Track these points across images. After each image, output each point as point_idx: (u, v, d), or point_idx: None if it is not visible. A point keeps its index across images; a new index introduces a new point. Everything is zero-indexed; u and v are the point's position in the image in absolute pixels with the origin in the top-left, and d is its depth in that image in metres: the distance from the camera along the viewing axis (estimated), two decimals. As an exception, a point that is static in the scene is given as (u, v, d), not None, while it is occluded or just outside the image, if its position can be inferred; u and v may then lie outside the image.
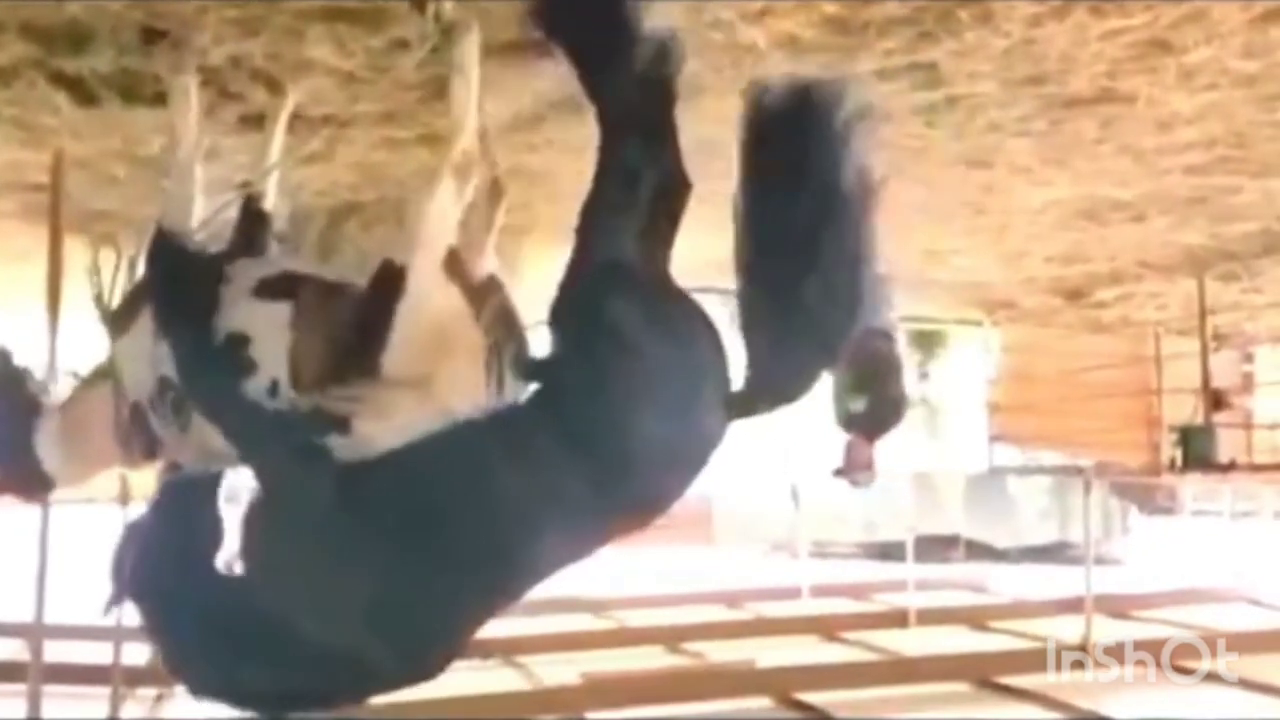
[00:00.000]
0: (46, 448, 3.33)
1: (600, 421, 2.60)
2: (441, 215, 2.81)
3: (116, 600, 3.10)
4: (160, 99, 3.50)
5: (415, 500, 2.63)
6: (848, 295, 2.75)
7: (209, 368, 2.89)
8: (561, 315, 2.67)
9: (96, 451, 3.32)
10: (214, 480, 3.14)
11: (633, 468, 2.64)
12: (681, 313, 2.74)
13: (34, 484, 3.42)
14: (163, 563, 2.98)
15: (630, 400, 2.60)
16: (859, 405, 5.18)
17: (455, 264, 2.84)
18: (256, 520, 2.76)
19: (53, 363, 3.89)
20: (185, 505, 3.07)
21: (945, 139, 4.60)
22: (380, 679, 2.88)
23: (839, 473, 5.27)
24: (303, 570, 2.71)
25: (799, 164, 2.69)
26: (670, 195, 2.73)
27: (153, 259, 3.18)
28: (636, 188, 2.68)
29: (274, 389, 2.84)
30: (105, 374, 3.31)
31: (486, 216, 3.13)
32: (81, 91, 3.70)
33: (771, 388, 2.79)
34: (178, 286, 3.08)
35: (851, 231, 2.73)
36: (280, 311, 2.91)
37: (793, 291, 2.68)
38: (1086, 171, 5.18)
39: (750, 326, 2.75)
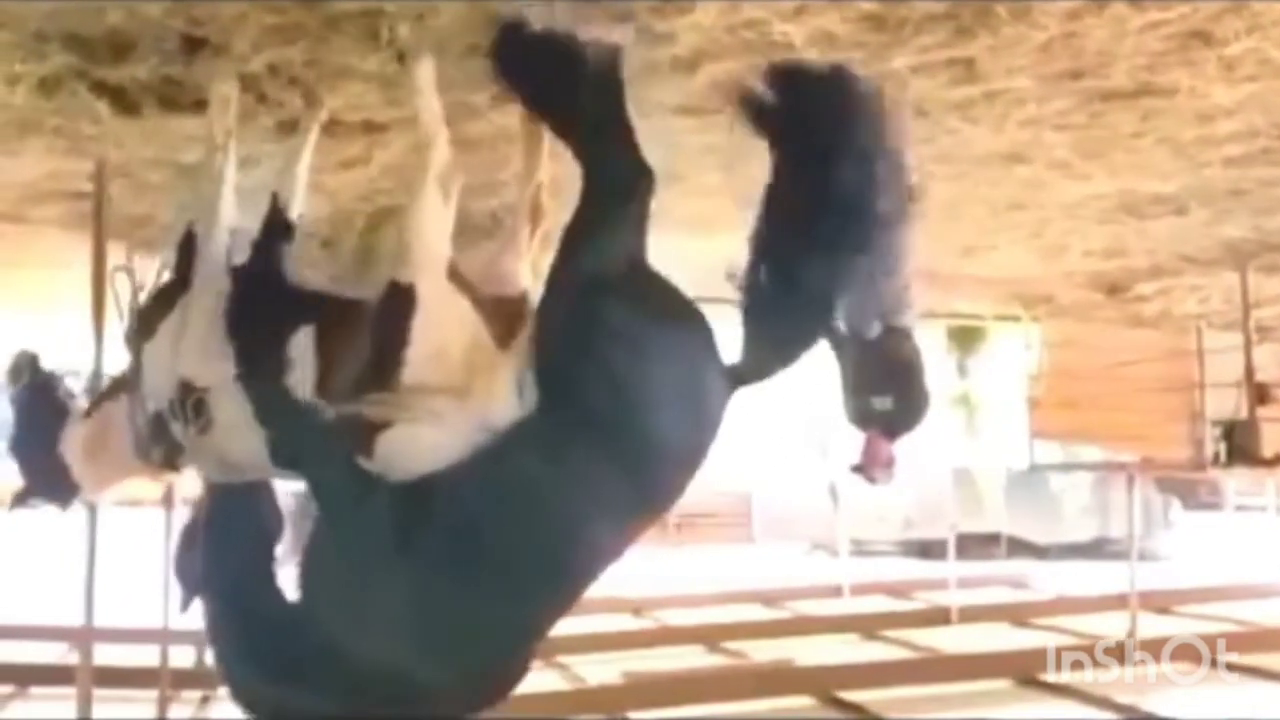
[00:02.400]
0: (73, 453, 3.36)
1: (619, 419, 2.61)
2: (433, 228, 2.86)
3: (188, 601, 3.11)
4: (200, 106, 3.53)
5: (468, 517, 2.64)
6: (843, 273, 2.73)
7: (271, 379, 2.92)
8: (552, 326, 2.69)
9: (119, 460, 3.34)
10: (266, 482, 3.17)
11: (655, 458, 2.66)
12: (669, 302, 2.76)
13: (60, 489, 3.44)
14: (228, 567, 2.99)
15: (640, 393, 2.62)
16: (884, 404, 5.18)
17: (458, 276, 2.89)
18: (314, 547, 2.79)
19: (98, 369, 3.92)
20: (245, 501, 3.08)
21: (983, 134, 4.58)
22: (451, 705, 2.91)
23: (857, 469, 5.27)
24: (363, 595, 2.72)
25: (818, 142, 2.69)
26: (638, 188, 2.76)
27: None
28: (612, 195, 2.71)
29: None
30: (125, 383, 3.33)
31: (525, 234, 3.16)
32: (123, 100, 3.73)
33: (768, 356, 2.80)
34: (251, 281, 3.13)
35: (864, 206, 2.71)
36: (305, 335, 2.95)
37: (792, 264, 2.69)
38: (1126, 165, 5.14)
39: (753, 296, 2.75)
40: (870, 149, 2.68)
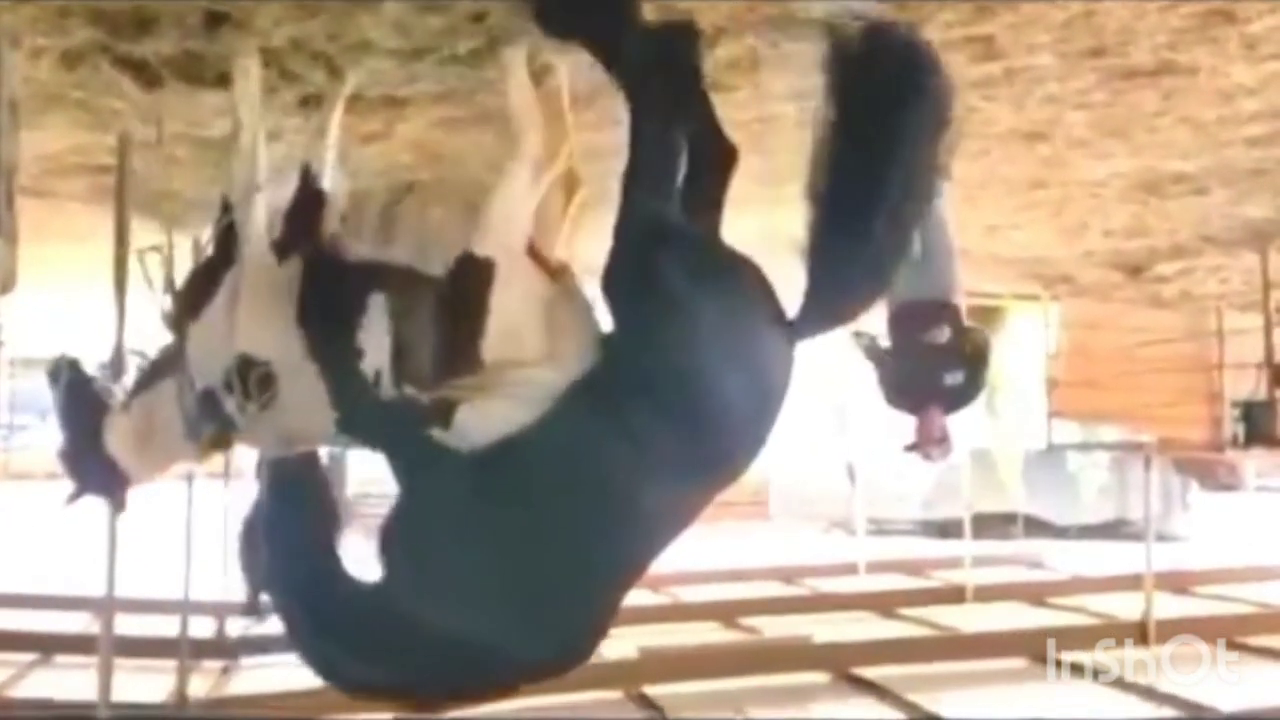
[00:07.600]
0: (117, 446, 3.37)
1: (680, 380, 2.64)
2: (516, 207, 2.89)
3: (254, 596, 3.09)
4: (222, 81, 3.55)
5: (541, 484, 2.67)
6: (907, 228, 2.81)
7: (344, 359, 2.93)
8: (616, 282, 2.72)
9: (166, 445, 3.35)
10: (315, 460, 3.15)
11: (719, 421, 2.68)
12: (732, 264, 2.79)
13: (112, 484, 3.46)
14: (293, 559, 2.97)
15: (701, 354, 2.65)
16: (956, 379, 5.16)
17: (535, 251, 2.92)
18: (398, 521, 2.79)
19: (120, 344, 3.94)
20: (302, 489, 3.06)
21: (1003, 112, 4.57)
22: (534, 667, 2.94)
23: (912, 447, 5.24)
24: (448, 565, 2.75)
25: (879, 101, 2.72)
26: (716, 161, 2.83)
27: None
28: (670, 152, 2.76)
29: (377, 379, 2.89)
30: (166, 366, 3.33)
31: (560, 207, 3.17)
32: (146, 74, 3.75)
33: (832, 309, 2.84)
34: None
35: (920, 166, 2.76)
36: (378, 301, 2.94)
37: (860, 218, 2.71)
38: (1147, 144, 5.13)
39: (816, 250, 2.77)
40: (937, 107, 2.75)
